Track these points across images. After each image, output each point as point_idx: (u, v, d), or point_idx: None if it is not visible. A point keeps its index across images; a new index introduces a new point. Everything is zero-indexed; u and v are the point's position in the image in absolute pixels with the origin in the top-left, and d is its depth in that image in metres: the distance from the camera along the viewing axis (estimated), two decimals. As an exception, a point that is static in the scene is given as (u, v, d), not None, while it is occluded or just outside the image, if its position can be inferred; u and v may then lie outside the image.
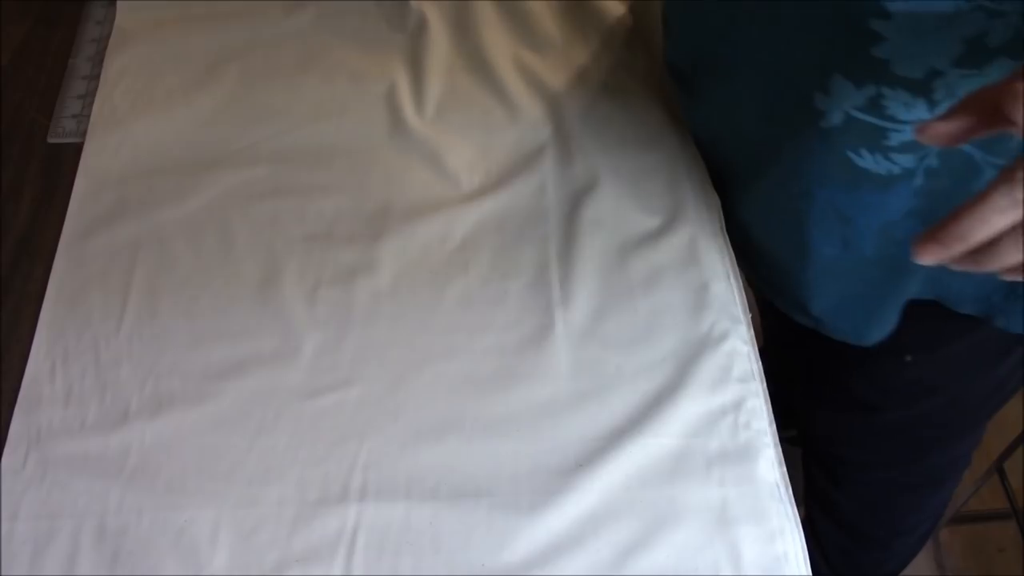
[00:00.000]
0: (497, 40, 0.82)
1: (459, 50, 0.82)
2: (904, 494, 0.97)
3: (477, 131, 0.77)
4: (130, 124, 0.77)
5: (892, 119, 0.56)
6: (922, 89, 0.53)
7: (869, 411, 0.84)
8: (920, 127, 0.43)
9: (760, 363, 0.65)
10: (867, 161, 0.59)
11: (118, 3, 0.85)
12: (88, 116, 0.78)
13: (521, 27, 0.84)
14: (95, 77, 0.81)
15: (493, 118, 0.78)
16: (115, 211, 0.71)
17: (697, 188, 0.73)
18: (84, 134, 0.76)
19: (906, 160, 0.58)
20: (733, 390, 0.63)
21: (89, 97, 0.79)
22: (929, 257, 0.41)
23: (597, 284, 0.68)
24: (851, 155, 0.59)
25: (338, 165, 0.74)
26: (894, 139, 0.57)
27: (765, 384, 0.63)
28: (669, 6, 0.73)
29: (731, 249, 0.70)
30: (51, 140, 0.77)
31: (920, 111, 0.54)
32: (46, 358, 0.64)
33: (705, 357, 0.64)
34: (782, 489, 0.60)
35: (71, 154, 0.75)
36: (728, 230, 0.71)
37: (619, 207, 0.72)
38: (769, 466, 0.60)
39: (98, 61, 0.82)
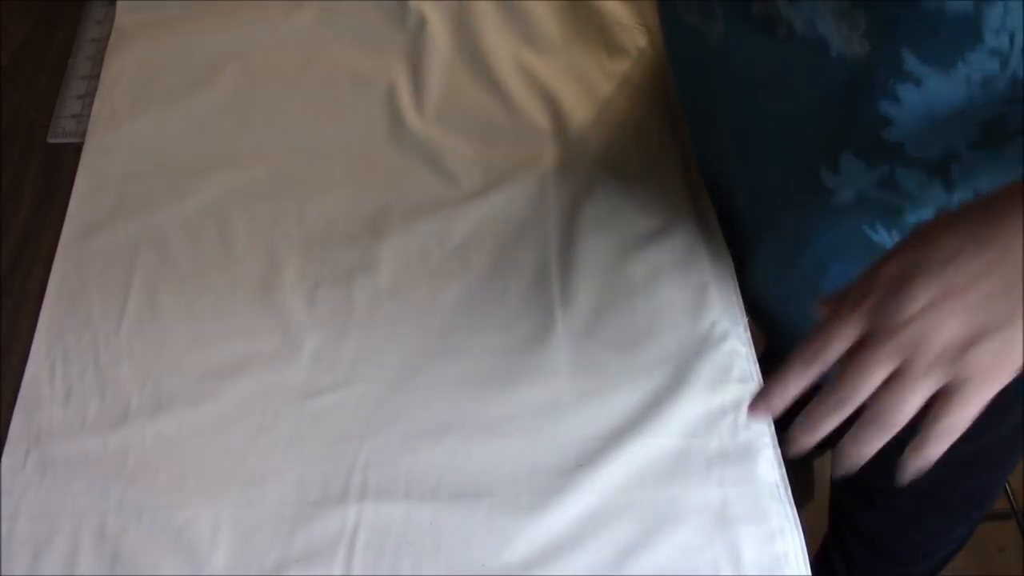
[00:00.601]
0: (497, 40, 0.82)
1: (459, 50, 0.82)
2: (937, 517, 0.91)
3: (477, 131, 0.77)
4: (130, 124, 0.77)
5: (908, 196, 0.53)
6: (938, 170, 0.51)
7: (900, 443, 0.81)
8: (752, 409, 0.44)
9: (758, 364, 0.65)
10: (883, 236, 0.56)
11: (118, 3, 0.86)
12: (88, 116, 0.78)
13: (521, 27, 0.84)
14: (95, 77, 0.81)
15: (493, 118, 0.78)
16: (115, 211, 0.71)
17: (697, 189, 0.73)
18: (84, 134, 0.76)
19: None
20: (733, 390, 0.63)
21: (89, 97, 0.79)
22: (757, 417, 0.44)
23: (597, 284, 0.68)
24: (866, 230, 0.56)
25: (338, 165, 0.74)
26: (912, 215, 0.54)
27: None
28: (674, 69, 0.69)
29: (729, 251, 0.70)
30: (51, 140, 0.77)
31: (937, 189, 0.52)
32: (46, 358, 0.64)
33: (705, 357, 0.64)
34: (782, 489, 0.60)
35: (71, 154, 0.75)
36: (740, 286, 0.69)
37: (619, 207, 0.72)
38: (769, 466, 0.60)
39: (98, 61, 0.82)
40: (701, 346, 0.65)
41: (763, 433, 0.61)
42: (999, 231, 0.39)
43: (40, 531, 0.57)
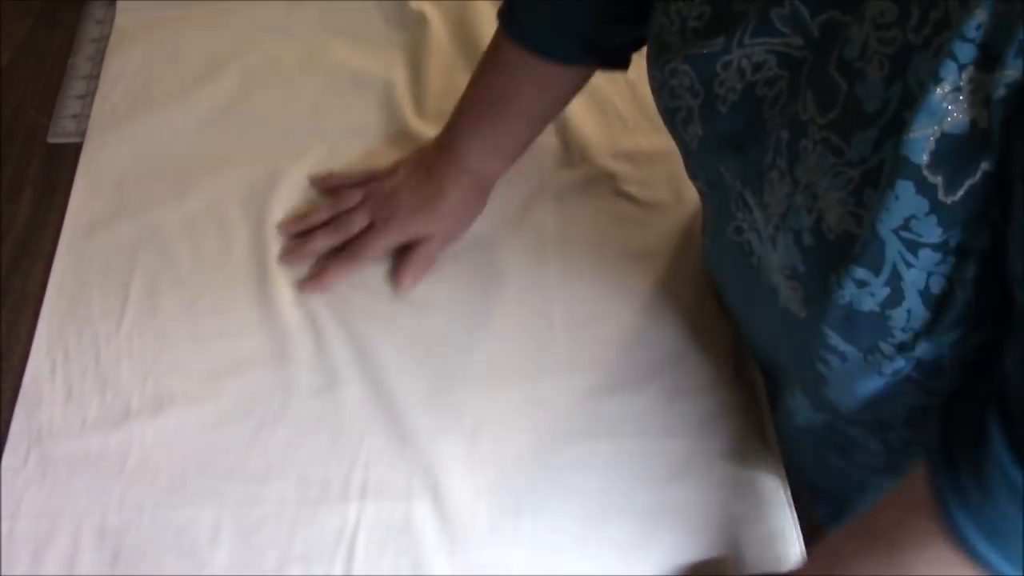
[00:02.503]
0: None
1: (460, 50, 0.82)
2: None
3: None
4: (130, 124, 0.77)
5: (854, 441, 0.56)
6: (876, 430, 0.53)
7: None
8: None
9: (757, 367, 0.65)
10: (838, 463, 0.60)
11: (118, 3, 0.86)
12: (88, 116, 0.78)
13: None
14: (95, 77, 0.81)
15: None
16: (115, 211, 0.71)
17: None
18: (84, 134, 0.76)
19: (868, 466, 0.58)
20: (733, 390, 0.63)
21: (89, 97, 0.79)
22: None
23: (597, 282, 0.68)
24: (824, 454, 0.60)
25: (337, 164, 0.74)
26: (860, 454, 0.57)
27: (764, 388, 0.64)
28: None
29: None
30: (51, 140, 0.77)
31: (876, 446, 0.55)
32: (47, 357, 0.64)
33: (706, 357, 0.64)
34: (781, 491, 0.60)
35: (71, 154, 0.75)
36: None
37: (619, 205, 0.72)
38: (769, 467, 0.60)
39: (98, 61, 0.82)
40: (702, 345, 0.65)
41: (763, 433, 0.61)
42: None
43: (41, 530, 0.57)
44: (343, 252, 0.68)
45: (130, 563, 0.56)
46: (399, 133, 0.76)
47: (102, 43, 0.83)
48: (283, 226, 0.70)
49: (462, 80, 0.79)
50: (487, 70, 0.68)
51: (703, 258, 0.66)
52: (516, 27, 0.64)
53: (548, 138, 0.76)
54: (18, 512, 0.58)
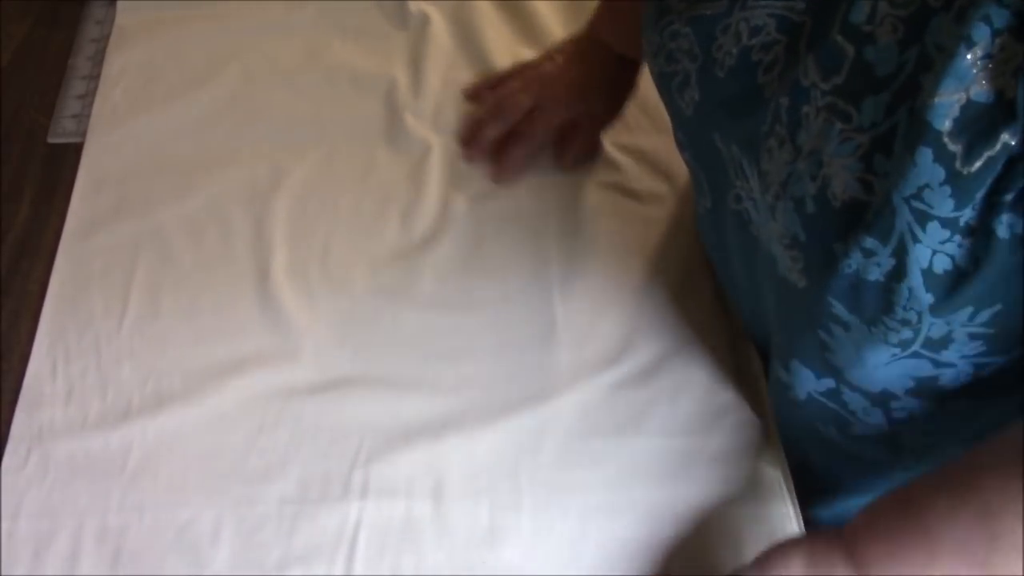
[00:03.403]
0: (498, 39, 0.82)
1: (460, 49, 0.82)
2: None
3: (477, 130, 0.77)
4: (130, 123, 0.77)
5: (853, 414, 0.54)
6: (879, 400, 0.52)
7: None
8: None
9: (760, 361, 0.65)
10: (833, 435, 0.58)
11: (118, 3, 0.86)
12: (88, 116, 0.78)
13: (522, 26, 0.84)
14: (95, 77, 0.81)
15: (493, 117, 0.78)
16: (115, 210, 0.71)
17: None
18: (84, 134, 0.76)
19: (872, 447, 0.57)
20: (736, 388, 0.63)
21: (89, 97, 0.79)
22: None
23: (598, 282, 0.68)
24: (818, 426, 0.58)
25: (338, 164, 0.74)
26: (859, 428, 0.55)
27: (766, 382, 0.64)
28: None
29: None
30: (51, 140, 0.77)
31: (877, 418, 0.53)
32: (47, 357, 0.64)
33: (708, 355, 0.64)
34: (784, 489, 0.60)
35: (71, 154, 0.75)
36: None
37: (620, 202, 0.72)
38: (770, 466, 0.60)
39: (98, 61, 0.82)
40: (702, 345, 0.65)
41: (763, 432, 0.61)
42: None
43: (41, 530, 0.57)
44: (514, 136, 0.71)
45: (131, 563, 0.56)
46: (399, 133, 0.76)
47: (102, 43, 0.83)
48: (459, 135, 0.73)
49: (462, 80, 0.80)
50: None
51: (698, 232, 0.65)
52: None
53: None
54: (18, 512, 0.58)
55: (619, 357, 0.64)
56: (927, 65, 0.37)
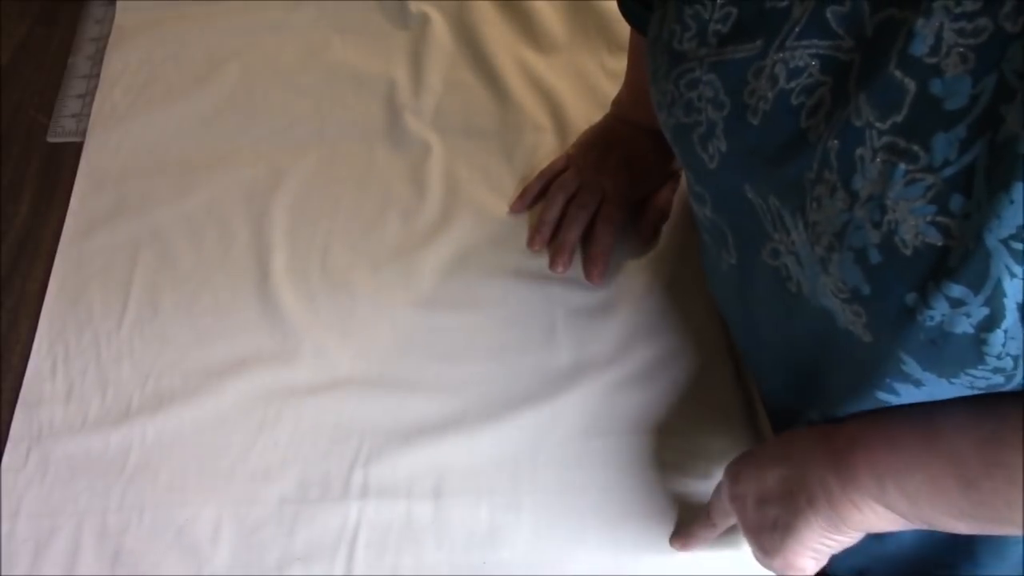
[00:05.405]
0: (498, 39, 0.82)
1: (460, 49, 0.82)
2: None
3: (477, 129, 0.77)
4: (130, 123, 0.77)
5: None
6: None
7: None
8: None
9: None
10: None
11: (118, 2, 0.86)
12: (88, 115, 0.78)
13: (523, 26, 0.84)
14: (95, 76, 0.81)
15: (493, 117, 0.78)
16: (115, 210, 0.71)
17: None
18: (84, 133, 0.76)
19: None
20: (733, 388, 0.63)
21: (89, 96, 0.79)
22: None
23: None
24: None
25: (338, 163, 0.74)
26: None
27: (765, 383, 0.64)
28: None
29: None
30: (51, 140, 0.77)
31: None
32: (47, 356, 0.64)
33: (707, 356, 0.64)
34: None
35: (71, 154, 0.75)
36: None
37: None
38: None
39: (98, 60, 0.82)
40: (703, 345, 0.65)
41: (763, 432, 0.61)
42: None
43: (41, 529, 0.57)
44: (595, 230, 0.70)
45: (130, 563, 0.56)
46: (399, 132, 0.76)
47: (102, 43, 0.83)
48: (530, 244, 0.70)
49: (462, 80, 0.80)
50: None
51: (709, 286, 0.63)
52: (625, 5, 0.66)
53: (547, 137, 0.76)
54: (18, 512, 0.58)
55: (619, 357, 0.64)
56: (1008, 95, 0.34)
